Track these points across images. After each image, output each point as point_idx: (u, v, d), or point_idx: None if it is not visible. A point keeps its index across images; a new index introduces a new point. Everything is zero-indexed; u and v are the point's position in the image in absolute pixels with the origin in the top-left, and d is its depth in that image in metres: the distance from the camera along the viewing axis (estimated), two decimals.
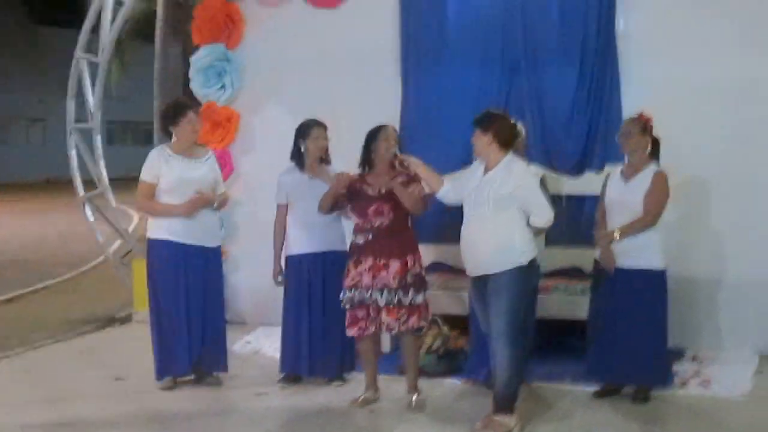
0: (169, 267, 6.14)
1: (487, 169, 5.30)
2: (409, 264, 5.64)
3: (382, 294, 5.59)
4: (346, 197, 5.89)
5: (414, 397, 5.73)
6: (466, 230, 5.32)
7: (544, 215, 5.20)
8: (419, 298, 5.67)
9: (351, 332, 5.76)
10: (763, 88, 6.80)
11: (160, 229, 6.15)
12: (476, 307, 5.43)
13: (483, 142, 5.25)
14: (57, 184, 33.54)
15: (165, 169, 6.10)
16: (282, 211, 6.29)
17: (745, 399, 5.78)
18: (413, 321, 5.65)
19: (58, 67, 38.00)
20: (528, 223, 5.22)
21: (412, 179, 5.65)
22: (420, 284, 5.70)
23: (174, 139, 6.24)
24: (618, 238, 5.63)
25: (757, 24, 6.79)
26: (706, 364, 6.49)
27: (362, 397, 5.81)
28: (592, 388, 5.92)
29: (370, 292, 5.63)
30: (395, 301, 5.59)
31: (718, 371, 6.28)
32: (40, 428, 5.39)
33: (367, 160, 5.84)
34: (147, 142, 38.02)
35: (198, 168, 6.19)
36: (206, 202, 6.13)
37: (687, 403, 5.71)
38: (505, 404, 5.17)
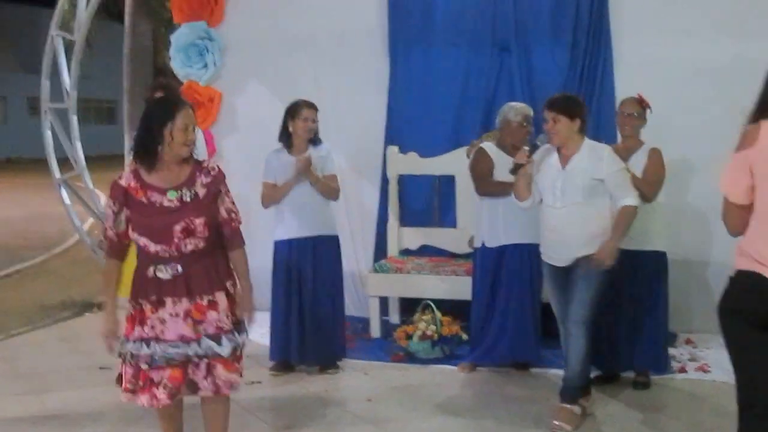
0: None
1: (564, 156, 5.10)
2: (231, 292, 4.12)
3: (215, 341, 4.00)
4: (124, 206, 3.96)
5: None
6: (553, 221, 5.10)
7: (634, 197, 5.08)
8: (243, 336, 4.17)
9: (146, 401, 4.04)
10: (754, 69, 6.66)
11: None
12: (555, 294, 5.23)
13: (569, 129, 5.06)
14: (19, 163, 33.04)
15: None
16: (269, 186, 6.07)
17: None
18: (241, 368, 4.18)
19: (18, 44, 37.41)
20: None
21: (216, 186, 4.01)
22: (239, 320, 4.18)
23: None
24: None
25: (749, 4, 6.74)
26: (701, 347, 6.49)
27: None
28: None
29: (189, 345, 3.98)
30: (232, 346, 4.05)
31: (715, 355, 6.24)
32: (28, 422, 5.18)
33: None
34: (110, 120, 37.75)
35: None
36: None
37: (688, 389, 5.66)
38: (576, 393, 5.14)
